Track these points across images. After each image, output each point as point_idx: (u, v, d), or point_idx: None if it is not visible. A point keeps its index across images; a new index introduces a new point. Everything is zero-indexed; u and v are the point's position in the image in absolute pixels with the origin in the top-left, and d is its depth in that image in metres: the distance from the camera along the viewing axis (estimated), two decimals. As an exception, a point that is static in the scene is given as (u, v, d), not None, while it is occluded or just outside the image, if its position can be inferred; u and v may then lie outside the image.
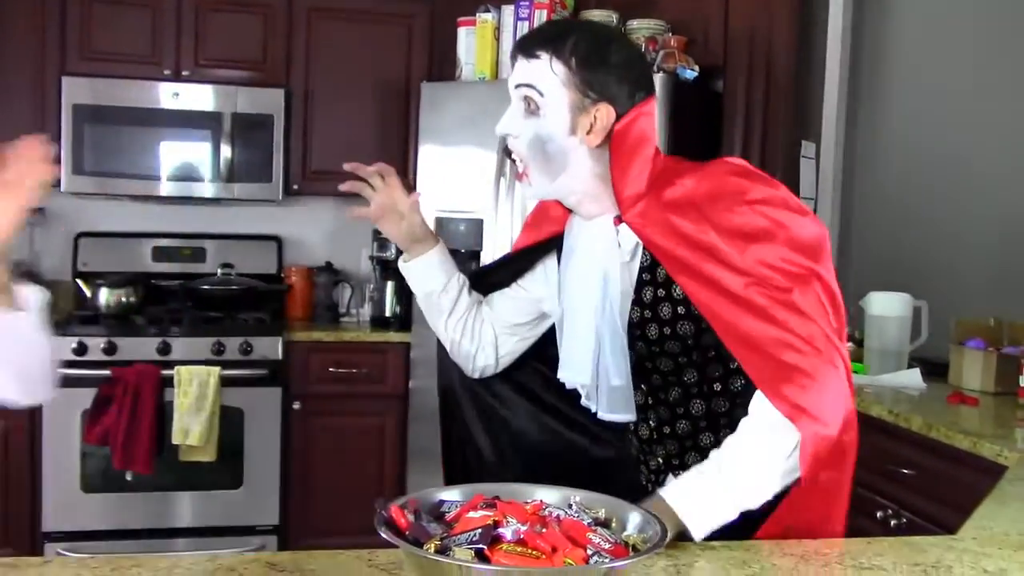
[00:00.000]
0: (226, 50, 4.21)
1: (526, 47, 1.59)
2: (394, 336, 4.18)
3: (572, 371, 1.73)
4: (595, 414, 1.74)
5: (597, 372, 1.68)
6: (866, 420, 2.76)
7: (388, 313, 4.34)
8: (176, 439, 3.75)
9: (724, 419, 1.65)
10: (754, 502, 1.52)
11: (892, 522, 2.59)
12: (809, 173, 3.91)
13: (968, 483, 2.28)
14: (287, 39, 4.27)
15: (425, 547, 1.15)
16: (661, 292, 1.62)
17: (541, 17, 3.71)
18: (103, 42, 4.10)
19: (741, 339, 1.53)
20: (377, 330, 4.29)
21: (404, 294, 4.28)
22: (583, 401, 1.74)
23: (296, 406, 4.03)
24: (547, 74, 1.56)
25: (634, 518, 1.28)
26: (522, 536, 1.16)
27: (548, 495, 1.33)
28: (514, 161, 1.67)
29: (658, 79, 3.43)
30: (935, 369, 3.19)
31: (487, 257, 3.74)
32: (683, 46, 3.65)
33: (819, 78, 4.00)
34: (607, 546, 1.18)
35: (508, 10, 3.82)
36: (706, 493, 1.51)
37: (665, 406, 1.69)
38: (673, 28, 3.74)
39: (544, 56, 1.56)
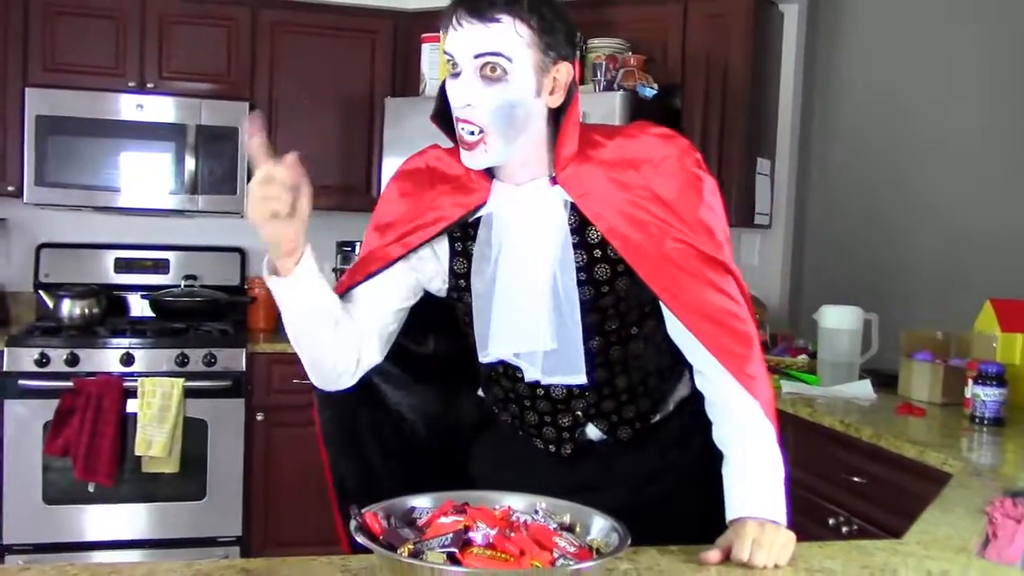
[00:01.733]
0: (191, 62, 4.23)
1: (482, 11, 1.49)
2: (357, 347, 4.21)
3: (509, 343, 1.66)
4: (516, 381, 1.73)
5: (547, 339, 1.64)
6: (819, 430, 2.87)
7: (351, 325, 4.38)
8: (139, 450, 3.75)
9: (639, 362, 1.74)
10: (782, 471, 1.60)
11: (844, 528, 2.68)
12: (764, 190, 4.01)
13: (915, 491, 2.36)
14: (251, 52, 4.30)
15: (399, 551, 1.20)
16: (597, 253, 1.62)
17: (504, 35, 3.78)
18: (67, 53, 4.11)
19: (690, 307, 1.59)
20: (340, 341, 4.31)
21: (367, 306, 4.31)
22: (527, 371, 1.69)
23: (259, 417, 4.05)
24: (512, 37, 1.50)
25: (598, 523, 1.34)
26: (492, 540, 1.22)
27: (516, 501, 1.39)
28: (452, 130, 1.60)
29: (618, 96, 3.52)
30: (885, 380, 3.28)
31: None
32: (642, 65, 3.74)
33: (774, 97, 4.10)
34: (572, 549, 1.24)
35: (471, 27, 3.88)
36: (765, 489, 1.56)
37: (605, 366, 1.71)
38: (633, 47, 3.83)
39: (506, 19, 1.49)
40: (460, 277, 1.71)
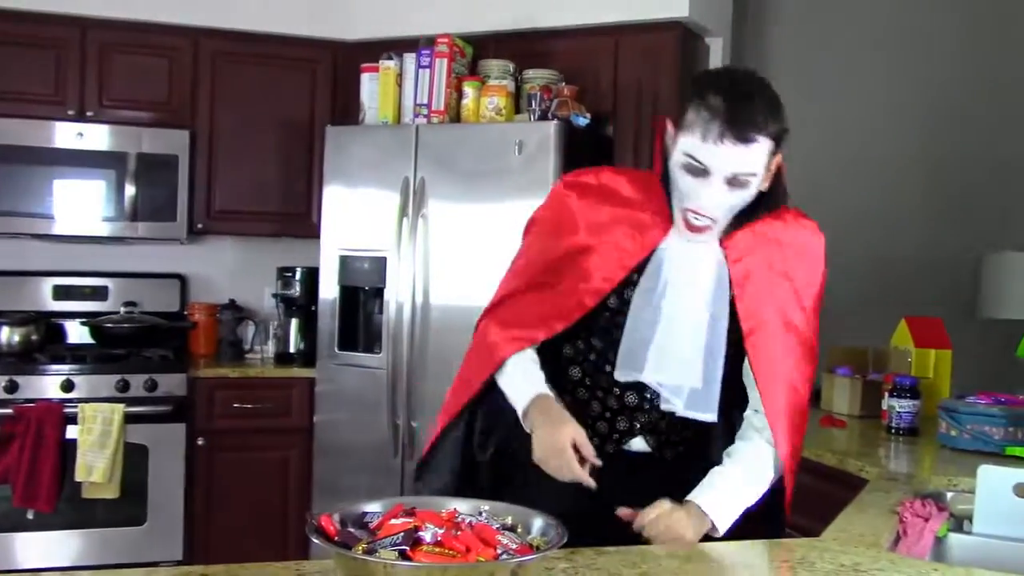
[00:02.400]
0: (131, 91, 4.27)
1: (744, 135, 1.67)
2: (298, 371, 4.27)
3: (662, 372, 1.82)
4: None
5: (697, 377, 1.82)
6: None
7: (292, 349, 4.43)
8: (79, 476, 3.76)
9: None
10: (753, 503, 1.83)
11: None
12: (693, 214, 4.16)
13: (836, 497, 2.48)
14: (192, 81, 4.36)
15: (354, 549, 1.29)
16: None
17: (442, 66, 3.90)
18: (7, 82, 4.13)
19: (771, 388, 1.84)
20: (281, 366, 4.37)
21: (308, 330, 4.37)
22: (669, 401, 1.84)
23: (200, 442, 4.08)
24: (762, 156, 1.71)
25: (537, 523, 1.44)
26: (440, 538, 1.31)
27: (461, 505, 1.48)
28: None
29: (553, 125, 3.65)
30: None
31: (390, 294, 3.89)
32: (575, 95, 3.88)
33: (701, 126, 4.24)
34: (514, 546, 1.33)
35: (410, 58, 4.00)
36: (727, 496, 1.80)
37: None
38: (566, 77, 3.96)
39: (761, 139, 1.68)
40: (619, 296, 1.87)
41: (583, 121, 3.80)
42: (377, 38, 4.39)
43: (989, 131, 4.02)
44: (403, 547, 1.28)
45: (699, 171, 1.70)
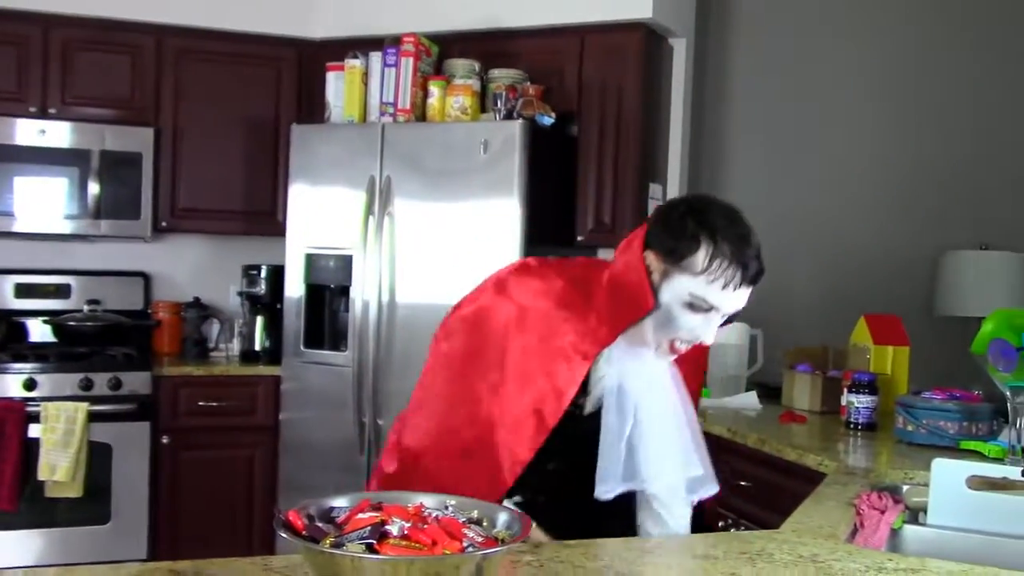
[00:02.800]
0: (94, 88, 4.25)
1: (755, 278, 1.78)
2: (264, 369, 4.27)
3: (668, 476, 1.88)
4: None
5: (696, 464, 1.90)
6: (709, 439, 3.03)
7: (257, 347, 4.43)
8: (42, 475, 3.74)
9: None
10: None
11: (732, 530, 2.85)
12: (657, 213, 4.20)
13: (795, 491, 2.53)
14: (156, 79, 4.33)
15: (321, 543, 1.30)
16: None
17: (408, 65, 3.91)
18: (-33, 79, 4.09)
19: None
20: (247, 364, 4.36)
21: (273, 328, 4.37)
22: (679, 496, 1.92)
23: (165, 440, 4.06)
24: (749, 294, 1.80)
25: (502, 517, 1.47)
26: (407, 532, 1.33)
27: (427, 500, 1.50)
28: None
29: (518, 125, 3.68)
30: (770, 392, 3.49)
31: (356, 292, 3.90)
32: (540, 94, 3.91)
33: (664, 126, 4.29)
34: (480, 539, 1.36)
35: (376, 56, 4.01)
36: None
37: None
38: (531, 77, 3.99)
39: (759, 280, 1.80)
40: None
41: (548, 120, 3.83)
42: (343, 37, 4.40)
43: (947, 131, 4.10)
44: (370, 540, 1.30)
45: (702, 309, 1.75)
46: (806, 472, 2.55)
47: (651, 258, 1.78)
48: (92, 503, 3.89)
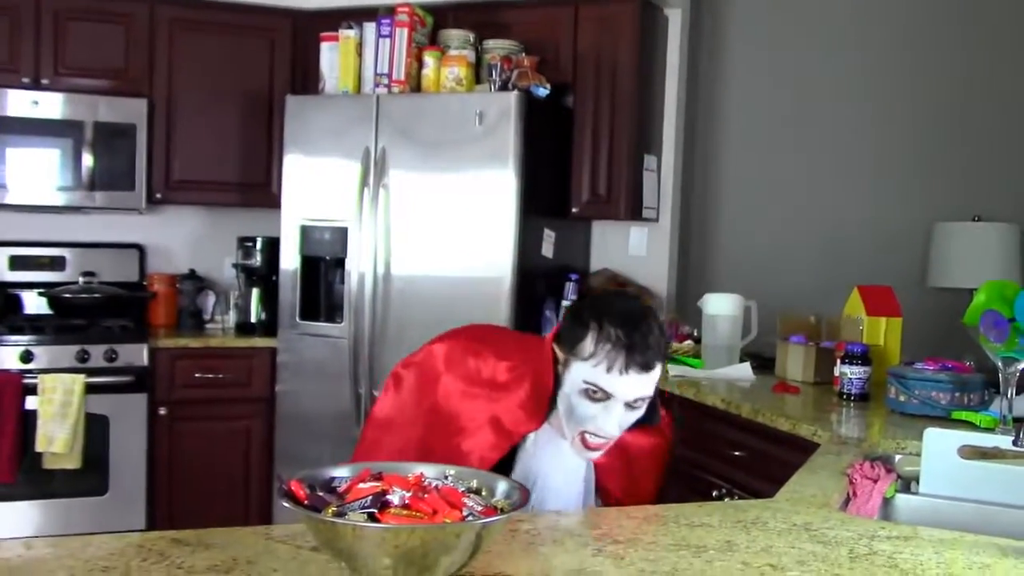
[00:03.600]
0: (87, 59, 4.22)
1: (649, 366, 1.78)
2: (259, 341, 4.28)
3: None
4: None
5: None
6: (703, 409, 3.07)
7: (253, 319, 4.43)
8: (40, 447, 3.75)
9: None
10: None
11: (726, 499, 2.88)
12: (651, 185, 4.22)
13: (789, 461, 2.55)
14: (149, 49, 4.31)
15: (323, 513, 1.32)
16: None
17: (402, 36, 3.90)
18: (-41, 49, 4.07)
19: None
20: (243, 336, 4.37)
21: (269, 300, 4.38)
22: None
23: (162, 412, 4.08)
24: (656, 379, 1.81)
25: (501, 486, 1.49)
26: (407, 501, 1.35)
27: (427, 470, 1.52)
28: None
29: (513, 96, 3.67)
30: (764, 363, 3.51)
31: (352, 264, 3.90)
32: (535, 65, 3.90)
33: (659, 97, 4.29)
34: (479, 508, 1.38)
35: (370, 27, 3.99)
36: None
37: None
38: (526, 48, 3.98)
39: (658, 365, 1.79)
40: None
41: (543, 92, 3.83)
42: (337, 7, 4.37)
43: (938, 103, 4.10)
44: (372, 509, 1.31)
45: (600, 397, 1.79)
46: (800, 442, 2.57)
47: (556, 350, 1.86)
48: (90, 474, 3.91)
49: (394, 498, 1.35)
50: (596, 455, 1.87)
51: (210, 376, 4.17)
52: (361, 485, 1.40)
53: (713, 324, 3.52)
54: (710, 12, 4.60)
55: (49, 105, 4.13)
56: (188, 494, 4.15)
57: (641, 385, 1.79)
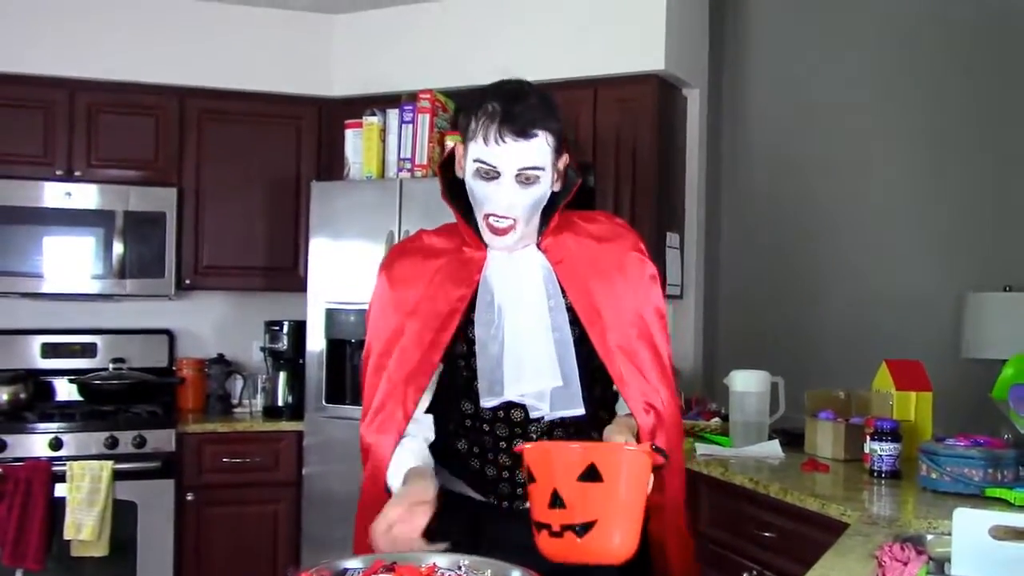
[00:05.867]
0: (118, 150, 4.33)
1: (525, 130, 1.76)
2: (286, 425, 4.29)
3: (523, 384, 1.88)
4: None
5: (555, 377, 1.88)
6: (731, 488, 3.02)
7: (280, 403, 4.44)
8: (68, 534, 3.76)
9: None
10: None
11: (756, 581, 2.82)
12: (675, 262, 4.21)
13: (819, 541, 2.51)
14: (179, 140, 4.42)
15: None
16: (571, 315, 1.91)
17: (424, 121, 3.96)
18: (-5, 143, 4.19)
19: (611, 351, 1.90)
20: (270, 420, 4.38)
21: (296, 384, 4.39)
22: (537, 408, 1.89)
23: (190, 497, 4.08)
24: (544, 149, 1.79)
25: (514, 574, 1.47)
26: None
27: (440, 560, 1.51)
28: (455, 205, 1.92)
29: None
30: (793, 439, 3.45)
31: (377, 346, 3.91)
32: (556, 147, 3.93)
33: (680, 174, 4.31)
34: None
35: (393, 113, 4.07)
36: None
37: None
38: (547, 130, 4.02)
39: (541, 134, 1.78)
40: (462, 340, 1.92)
41: (564, 172, 3.85)
42: (360, 94, 4.47)
43: (972, 172, 4.08)
44: None
45: (490, 174, 1.79)
46: (828, 522, 2.53)
47: (459, 150, 1.89)
48: (118, 561, 3.90)
49: None
50: (505, 241, 1.84)
51: (237, 460, 4.17)
52: None
53: (740, 401, 3.48)
54: (730, 88, 4.64)
55: (82, 196, 4.23)
56: (216, 580, 4.12)
57: (521, 153, 1.76)
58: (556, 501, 1.54)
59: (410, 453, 1.89)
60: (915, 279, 4.16)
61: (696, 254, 4.37)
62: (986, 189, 4.06)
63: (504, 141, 1.76)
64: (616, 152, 4.05)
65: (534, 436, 1.93)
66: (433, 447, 1.98)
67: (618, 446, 1.65)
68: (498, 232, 1.83)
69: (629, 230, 2.04)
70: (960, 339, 3.93)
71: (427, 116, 3.97)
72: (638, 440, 1.82)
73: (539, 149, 1.78)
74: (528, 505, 1.87)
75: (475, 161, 1.80)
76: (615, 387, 1.93)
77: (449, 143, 3.97)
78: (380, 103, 4.20)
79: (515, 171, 1.78)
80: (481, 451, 1.96)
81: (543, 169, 1.80)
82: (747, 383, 3.49)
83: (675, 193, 4.26)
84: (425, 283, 1.93)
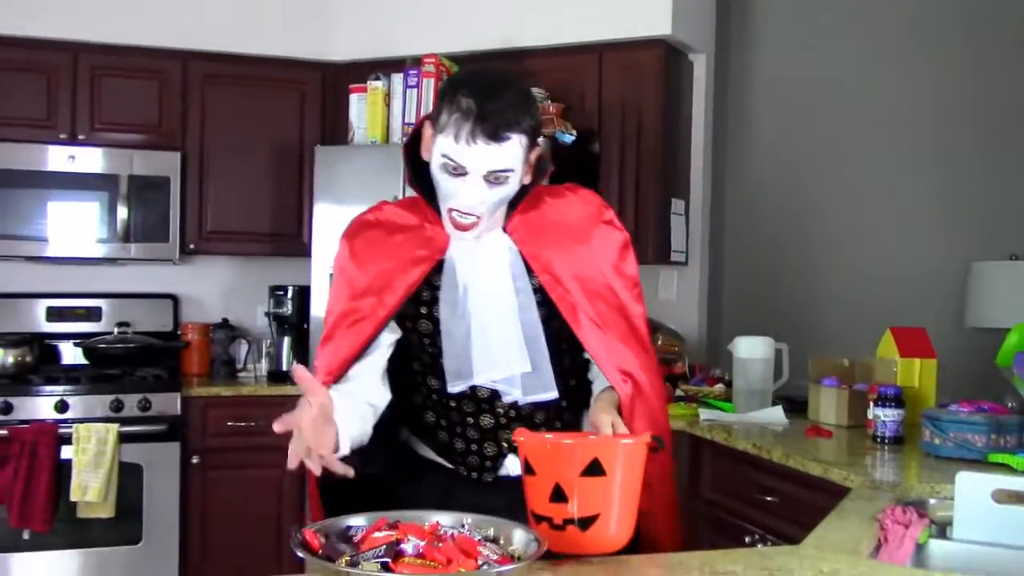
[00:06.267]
0: (122, 114, 4.32)
1: (497, 134, 1.69)
2: (291, 389, 4.28)
3: (492, 370, 1.86)
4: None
5: (524, 362, 1.86)
6: (734, 454, 3.04)
7: (285, 367, 4.45)
8: (74, 496, 3.78)
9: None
10: None
11: (759, 545, 2.83)
12: (680, 228, 4.20)
13: (822, 506, 2.51)
14: (182, 104, 4.40)
15: (337, 563, 1.32)
16: (538, 297, 1.88)
17: (429, 86, 3.94)
18: (-1, 107, 4.18)
19: (581, 323, 1.87)
20: (274, 384, 4.39)
21: (301, 348, 4.40)
22: (508, 393, 1.88)
23: (195, 460, 4.10)
24: (516, 151, 1.73)
25: (518, 535, 1.47)
26: (421, 550, 1.34)
27: (443, 518, 1.51)
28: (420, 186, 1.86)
29: (541, 143, 3.69)
30: (796, 406, 3.47)
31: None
32: (561, 112, 3.92)
33: (686, 140, 4.30)
34: (495, 557, 1.36)
35: (397, 78, 4.05)
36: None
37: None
38: (552, 95, 4.01)
39: (513, 137, 1.71)
40: (426, 318, 1.88)
41: (569, 138, 3.84)
42: (365, 59, 4.44)
43: (976, 140, 4.06)
44: (385, 559, 1.31)
45: (457, 171, 1.73)
46: (831, 487, 2.53)
47: (427, 132, 1.80)
48: (124, 523, 3.93)
49: (408, 547, 1.35)
50: (468, 235, 1.79)
51: (242, 424, 4.18)
52: (376, 534, 1.40)
53: (744, 367, 3.49)
54: (736, 55, 4.61)
55: (85, 160, 4.22)
56: (221, 542, 4.15)
57: (492, 156, 1.70)
58: (558, 495, 1.53)
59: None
60: (920, 248, 4.15)
61: (701, 221, 4.36)
62: (991, 159, 4.04)
63: (475, 143, 1.69)
64: (621, 118, 4.03)
65: (500, 412, 1.92)
66: (405, 419, 1.98)
67: (622, 442, 1.61)
68: (460, 227, 1.79)
69: (596, 200, 2.00)
70: (964, 308, 3.93)
71: (432, 80, 3.95)
72: (620, 413, 1.82)
73: (511, 152, 1.72)
74: (497, 476, 1.94)
75: (443, 156, 1.73)
76: (586, 355, 1.92)
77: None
78: (385, 67, 4.18)
79: (484, 172, 1.72)
80: (449, 425, 1.96)
81: (512, 171, 1.75)
82: (751, 349, 3.50)
83: (680, 160, 4.25)
84: (384, 258, 1.88)
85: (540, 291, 1.87)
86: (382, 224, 1.92)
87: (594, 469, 1.52)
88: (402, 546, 1.34)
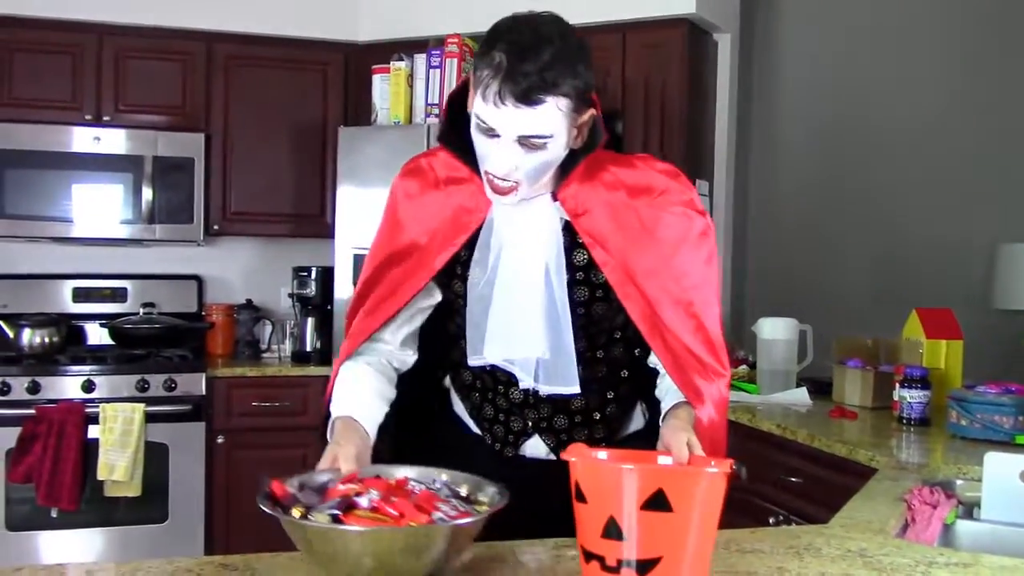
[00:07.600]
0: (147, 95, 4.33)
1: (527, 96, 1.51)
2: (314, 370, 4.32)
3: (504, 348, 1.72)
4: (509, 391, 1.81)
5: (541, 346, 1.71)
6: (758, 435, 3.03)
7: (309, 348, 4.47)
8: (101, 475, 3.82)
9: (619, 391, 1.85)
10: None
11: (783, 526, 2.83)
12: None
13: (847, 487, 2.50)
14: (206, 85, 4.41)
15: (291, 513, 1.32)
16: (580, 275, 1.71)
17: (452, 66, 3.93)
18: (24, 88, 4.20)
19: (663, 346, 1.68)
20: (298, 365, 4.42)
21: (324, 329, 4.42)
22: (521, 379, 1.75)
23: (220, 440, 4.13)
24: (554, 115, 1.53)
25: (489, 490, 1.44)
26: (375, 504, 1.34)
27: (411, 472, 1.49)
28: (458, 146, 1.69)
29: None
30: (820, 387, 3.45)
31: (405, 292, 3.92)
32: (585, 92, 3.89)
33: (710, 121, 4.27)
34: (453, 513, 1.33)
35: (420, 58, 4.04)
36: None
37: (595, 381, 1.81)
38: (575, 75, 3.98)
39: (549, 99, 1.51)
40: (460, 279, 1.75)
41: (592, 118, 3.82)
42: (388, 39, 4.44)
43: (1004, 119, 4.01)
44: (336, 512, 1.31)
45: (489, 132, 1.56)
46: (858, 468, 2.53)
47: (472, 80, 1.62)
48: (150, 502, 3.97)
49: (363, 501, 1.34)
50: (507, 200, 1.62)
51: (266, 404, 4.21)
52: (340, 487, 1.40)
53: (768, 349, 3.48)
54: (761, 34, 4.57)
55: (110, 141, 4.24)
56: (245, 521, 4.17)
57: (524, 120, 1.52)
58: (612, 531, 1.25)
59: (353, 378, 1.77)
60: (947, 229, 4.11)
61: (725, 201, 4.34)
62: (1020, 139, 3.99)
63: (504, 104, 1.51)
64: (645, 98, 4.01)
65: (532, 403, 1.81)
66: (447, 370, 1.92)
67: (694, 471, 1.37)
68: (499, 191, 1.61)
69: (675, 177, 1.74)
70: (991, 290, 3.89)
71: (455, 61, 3.94)
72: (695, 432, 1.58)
73: (547, 116, 1.52)
74: (517, 454, 1.83)
75: (475, 115, 1.57)
76: (655, 358, 1.72)
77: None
78: (408, 48, 4.18)
79: (515, 136, 1.54)
80: (483, 387, 1.85)
81: (551, 137, 1.55)
82: (775, 331, 3.49)
83: (704, 140, 4.22)
84: (429, 216, 1.75)
85: (585, 268, 1.71)
86: (432, 170, 1.77)
87: (658, 503, 1.24)
88: (358, 499, 1.34)
